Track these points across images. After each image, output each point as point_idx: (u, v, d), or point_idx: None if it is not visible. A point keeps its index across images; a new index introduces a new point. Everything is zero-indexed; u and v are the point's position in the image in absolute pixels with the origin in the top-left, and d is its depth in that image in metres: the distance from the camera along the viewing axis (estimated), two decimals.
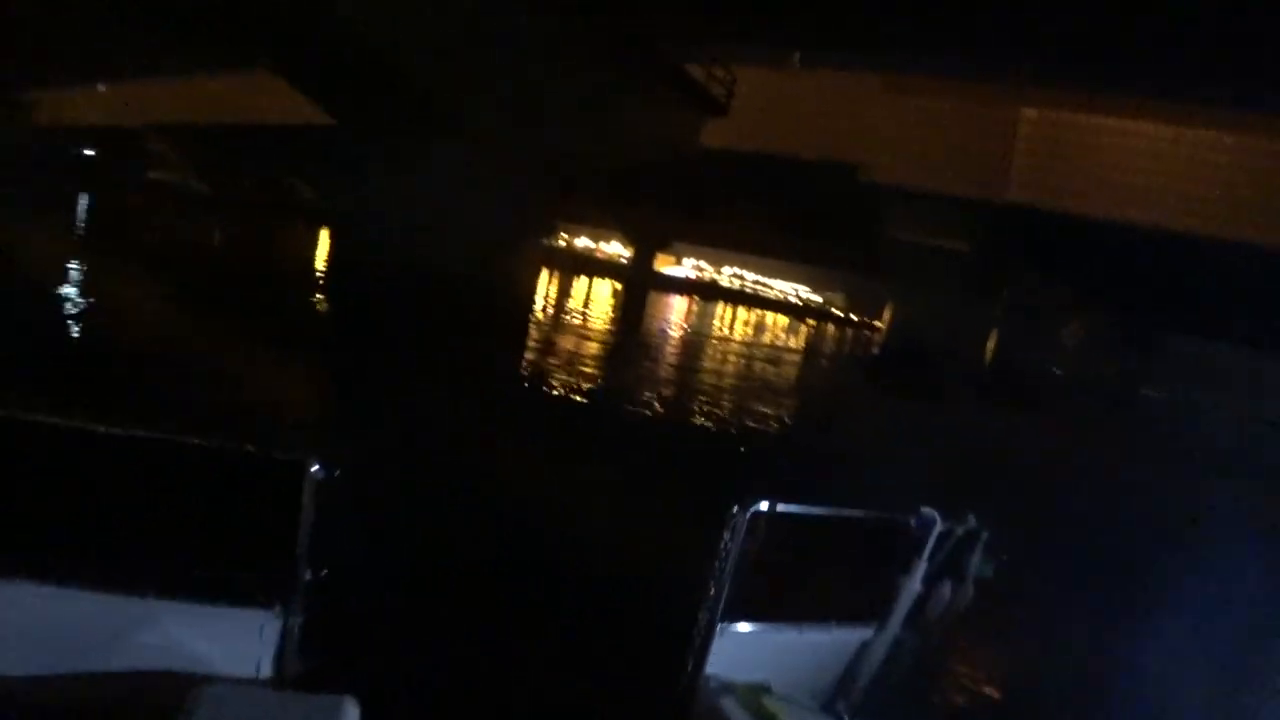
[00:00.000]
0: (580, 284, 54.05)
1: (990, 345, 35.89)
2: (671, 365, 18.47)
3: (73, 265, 16.24)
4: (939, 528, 2.56)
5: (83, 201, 36.42)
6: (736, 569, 2.30)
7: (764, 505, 2.27)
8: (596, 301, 38.76)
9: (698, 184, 35.86)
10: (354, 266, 15.53)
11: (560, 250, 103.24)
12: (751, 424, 13.00)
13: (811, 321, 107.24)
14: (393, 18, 11.21)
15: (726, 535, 2.20)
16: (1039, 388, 30.79)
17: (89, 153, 72.31)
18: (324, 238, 45.45)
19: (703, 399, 14.06)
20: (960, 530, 2.62)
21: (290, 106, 38.80)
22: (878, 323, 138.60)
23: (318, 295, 19.28)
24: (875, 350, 32.50)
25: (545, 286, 38.46)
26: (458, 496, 6.50)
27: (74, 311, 11.89)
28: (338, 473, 1.96)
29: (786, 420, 14.79)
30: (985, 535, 2.69)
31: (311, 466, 1.96)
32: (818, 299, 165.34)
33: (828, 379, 25.86)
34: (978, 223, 24.07)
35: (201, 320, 13.31)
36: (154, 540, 2.05)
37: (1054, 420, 22.54)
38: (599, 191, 46.20)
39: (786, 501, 2.34)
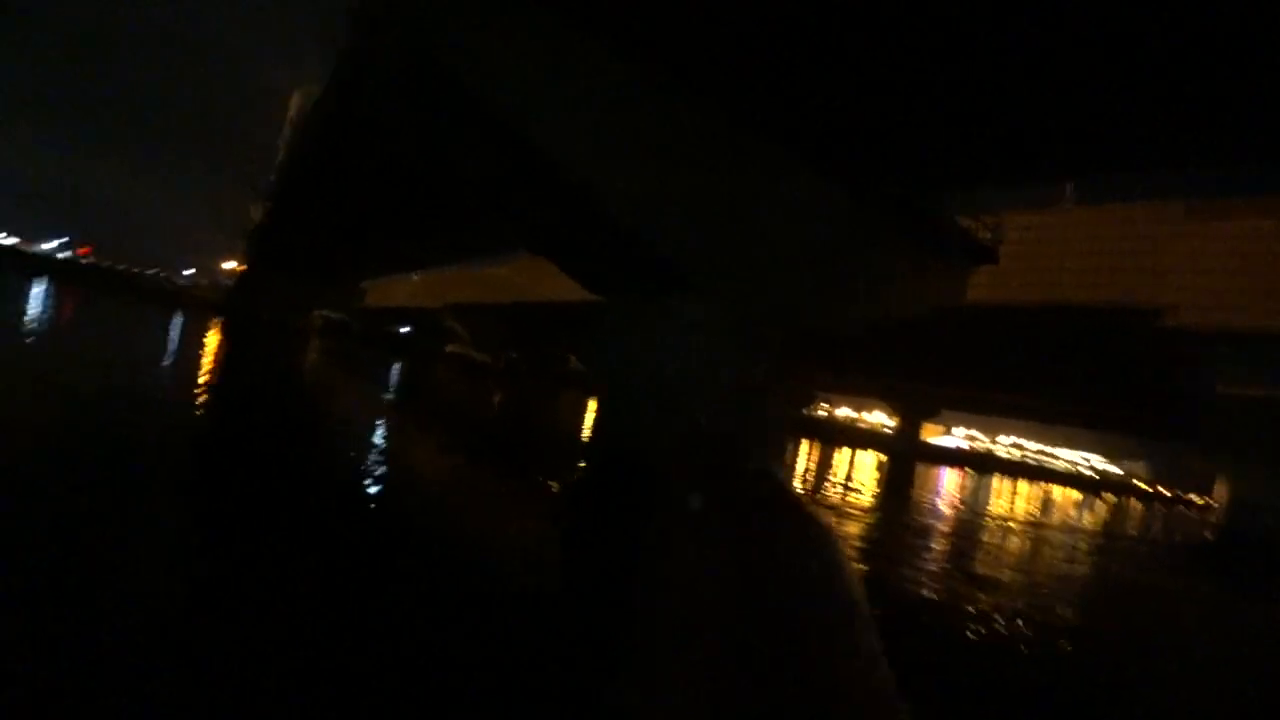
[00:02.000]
0: (841, 456, 51.61)
1: None
2: (942, 550, 15.98)
3: (381, 421, 19.35)
4: None
5: (395, 368, 42.61)
6: None
7: None
8: (858, 475, 36.34)
9: (968, 342, 33.49)
10: (605, 429, 15.58)
11: (818, 419, 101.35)
12: (1043, 624, 10.40)
13: (1110, 496, 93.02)
14: (638, 185, 11.49)
15: None
16: None
17: (403, 329, 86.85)
18: (586, 403, 48.41)
19: (979, 591, 11.71)
20: None
21: (563, 286, 43.05)
22: (1194, 497, 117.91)
23: (574, 456, 19.90)
24: (1207, 535, 26.54)
25: (802, 458, 36.94)
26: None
27: (376, 456, 13.01)
28: None
29: (1093, 623, 11.87)
30: None
31: None
32: (1115, 470, 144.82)
33: (1140, 570, 21.17)
34: None
35: (476, 471, 14.37)
36: None
37: None
38: (857, 355, 44.99)
39: None
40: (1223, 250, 20.19)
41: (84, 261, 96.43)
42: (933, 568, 13.05)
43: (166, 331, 34.85)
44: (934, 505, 26.69)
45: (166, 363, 22.20)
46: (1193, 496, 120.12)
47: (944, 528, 19.63)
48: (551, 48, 10.43)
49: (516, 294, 55.67)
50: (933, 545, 15.84)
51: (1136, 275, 21.43)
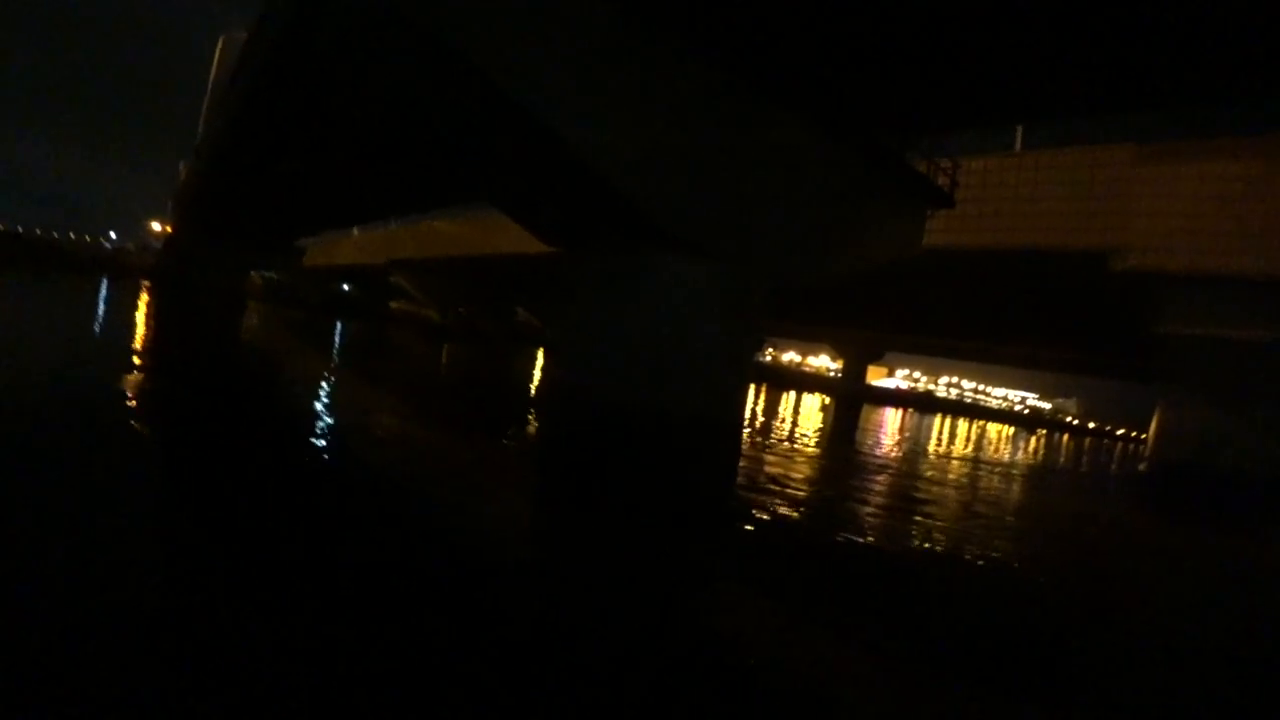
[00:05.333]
0: (788, 399, 52.41)
1: None
2: (885, 487, 16.35)
3: (326, 382, 19.37)
4: None
5: (339, 327, 41.58)
6: None
7: None
8: (808, 419, 37.04)
9: (917, 287, 33.99)
10: (561, 387, 15.36)
11: (764, 363, 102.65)
12: (982, 560, 10.67)
13: (1042, 431, 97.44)
14: (607, 133, 11.10)
15: None
16: None
17: (346, 288, 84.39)
18: (539, 360, 48.09)
19: (923, 528, 11.97)
20: None
21: (516, 239, 42.24)
22: (1122, 430, 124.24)
23: (527, 413, 19.78)
24: (1141, 468, 27.69)
25: (751, 403, 37.37)
26: (649, 647, 5.48)
27: (323, 417, 12.63)
28: None
29: (1034, 558, 12.25)
30: None
31: None
32: (1046, 406, 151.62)
33: (1077, 503, 22.00)
34: (1275, 305, 19.98)
35: (419, 430, 14.13)
36: None
37: None
38: (807, 300, 45.42)
39: None
40: (1167, 194, 20.75)
41: None
42: (878, 502, 13.39)
43: (93, 300, 33.21)
44: (881, 444, 27.38)
45: (95, 333, 21.05)
46: (1121, 430, 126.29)
47: (889, 465, 20.12)
48: None
49: (463, 248, 54.44)
50: (878, 482, 16.26)
51: (1083, 218, 21.91)
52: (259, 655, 4.25)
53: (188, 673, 3.97)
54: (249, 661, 4.17)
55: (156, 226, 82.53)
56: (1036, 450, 46.28)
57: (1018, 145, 23.97)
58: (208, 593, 5.03)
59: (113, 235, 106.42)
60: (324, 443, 10.86)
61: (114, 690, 3.68)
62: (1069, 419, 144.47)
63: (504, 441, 14.79)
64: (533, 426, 17.34)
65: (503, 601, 5.76)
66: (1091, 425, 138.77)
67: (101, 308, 30.06)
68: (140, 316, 28.89)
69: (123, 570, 5.15)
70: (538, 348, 65.12)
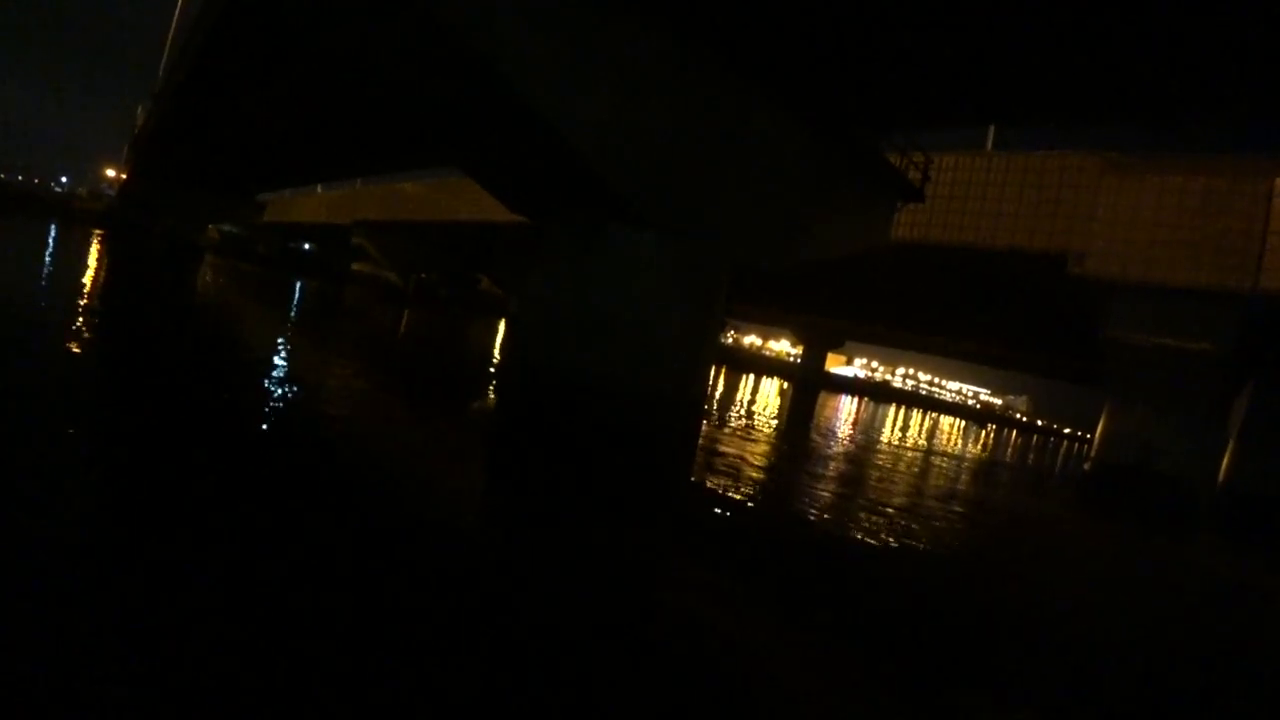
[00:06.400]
0: (748, 382, 52.80)
1: (1224, 467, 30.94)
2: (841, 476, 16.66)
3: (281, 340, 19.23)
4: None
5: (298, 286, 40.73)
6: None
7: None
8: (764, 401, 37.38)
9: (881, 279, 34.36)
10: (523, 361, 15.23)
11: (725, 345, 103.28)
12: (922, 545, 11.02)
13: (992, 426, 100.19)
14: (580, 106, 10.97)
15: None
16: None
17: (306, 246, 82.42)
18: (500, 331, 47.73)
19: (869, 514, 12.25)
20: None
21: (483, 206, 41.69)
22: (1067, 430, 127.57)
23: (487, 387, 19.63)
24: (1085, 467, 28.56)
25: (711, 384, 37.62)
26: (600, 627, 5.53)
27: (274, 387, 12.38)
28: None
29: (967, 546, 12.64)
30: None
31: None
32: (997, 402, 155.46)
33: (1019, 498, 22.66)
34: (1219, 318, 20.61)
35: (374, 403, 13.98)
36: None
37: None
38: (772, 285, 45.68)
39: None
40: (1129, 204, 21.21)
41: None
42: (829, 488, 13.64)
43: (41, 245, 32.04)
44: (836, 432, 27.79)
45: (43, 282, 20.25)
46: (1068, 429, 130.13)
47: (842, 453, 20.45)
48: None
49: (429, 213, 53.54)
50: (830, 470, 16.54)
51: (1046, 221, 22.35)
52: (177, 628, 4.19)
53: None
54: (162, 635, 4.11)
55: (111, 173, 79.58)
56: (986, 445, 47.37)
57: (988, 145, 24.25)
58: (138, 573, 4.93)
59: (64, 179, 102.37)
60: (273, 415, 10.53)
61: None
62: (1019, 416, 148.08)
63: (462, 416, 14.67)
64: (492, 400, 17.21)
65: (427, 581, 5.73)
66: (1040, 423, 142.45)
67: (48, 256, 28.98)
68: (90, 267, 27.94)
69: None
70: (499, 318, 64.57)
